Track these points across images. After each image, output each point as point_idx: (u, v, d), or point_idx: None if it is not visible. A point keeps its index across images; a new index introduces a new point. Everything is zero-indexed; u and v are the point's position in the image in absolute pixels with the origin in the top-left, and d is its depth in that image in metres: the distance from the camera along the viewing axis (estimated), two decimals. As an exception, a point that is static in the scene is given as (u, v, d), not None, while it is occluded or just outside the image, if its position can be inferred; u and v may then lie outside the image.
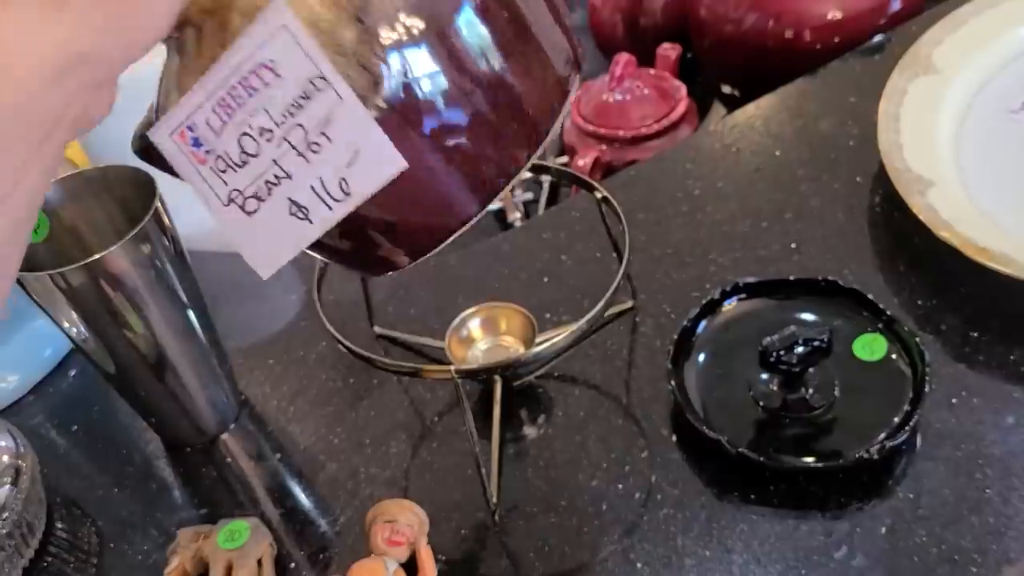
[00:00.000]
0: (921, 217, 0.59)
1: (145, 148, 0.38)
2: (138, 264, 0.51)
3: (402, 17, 0.33)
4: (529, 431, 0.58)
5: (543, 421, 0.58)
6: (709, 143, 0.76)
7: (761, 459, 0.50)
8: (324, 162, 0.33)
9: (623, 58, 0.82)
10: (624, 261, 0.52)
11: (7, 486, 0.53)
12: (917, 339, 0.53)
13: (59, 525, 0.59)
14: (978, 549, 0.47)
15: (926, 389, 0.51)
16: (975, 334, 0.56)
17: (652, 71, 0.86)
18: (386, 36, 0.33)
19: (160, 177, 0.53)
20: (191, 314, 0.56)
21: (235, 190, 0.34)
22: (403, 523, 0.50)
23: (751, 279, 0.59)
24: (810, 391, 0.53)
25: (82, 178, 0.55)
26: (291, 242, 0.35)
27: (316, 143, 0.33)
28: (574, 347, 0.53)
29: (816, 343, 0.51)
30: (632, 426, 0.56)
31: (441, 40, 0.34)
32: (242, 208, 0.35)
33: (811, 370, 0.53)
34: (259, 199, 0.34)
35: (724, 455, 0.51)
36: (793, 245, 0.65)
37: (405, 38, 0.33)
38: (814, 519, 0.50)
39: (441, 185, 0.36)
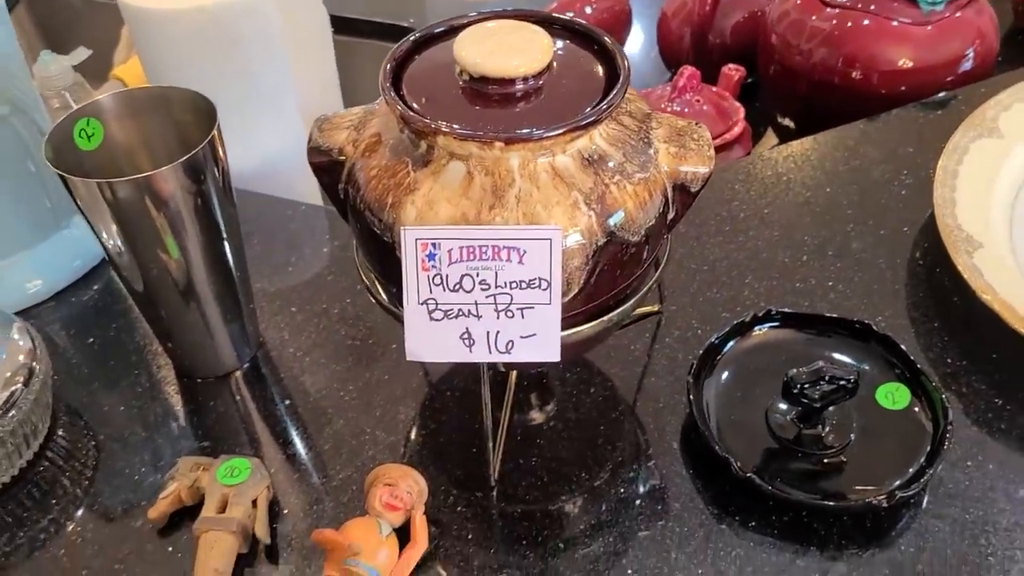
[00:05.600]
0: (965, 276, 0.58)
1: (316, 164, 0.48)
2: (186, 188, 0.51)
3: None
4: (538, 419, 0.58)
5: (554, 412, 0.58)
6: (761, 168, 0.75)
7: (770, 487, 0.50)
8: (509, 326, 0.43)
9: (688, 70, 0.82)
10: (660, 267, 0.51)
11: (19, 385, 0.53)
12: (944, 395, 0.53)
13: (60, 433, 0.59)
14: (970, 614, 0.47)
15: (945, 446, 0.50)
16: (999, 401, 0.56)
17: (714, 88, 0.85)
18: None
19: (220, 107, 0.53)
20: (227, 247, 0.56)
21: (433, 299, 0.43)
22: (403, 489, 0.50)
23: (786, 309, 0.58)
24: (826, 429, 0.53)
25: (143, 94, 0.55)
26: (445, 353, 0.44)
27: (512, 312, 0.42)
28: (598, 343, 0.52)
29: (843, 382, 0.51)
30: (642, 433, 0.56)
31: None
32: (429, 313, 0.43)
33: (830, 408, 0.53)
34: (446, 316, 0.43)
35: (730, 477, 0.51)
36: (830, 283, 0.64)
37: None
38: (812, 556, 0.49)
39: None
